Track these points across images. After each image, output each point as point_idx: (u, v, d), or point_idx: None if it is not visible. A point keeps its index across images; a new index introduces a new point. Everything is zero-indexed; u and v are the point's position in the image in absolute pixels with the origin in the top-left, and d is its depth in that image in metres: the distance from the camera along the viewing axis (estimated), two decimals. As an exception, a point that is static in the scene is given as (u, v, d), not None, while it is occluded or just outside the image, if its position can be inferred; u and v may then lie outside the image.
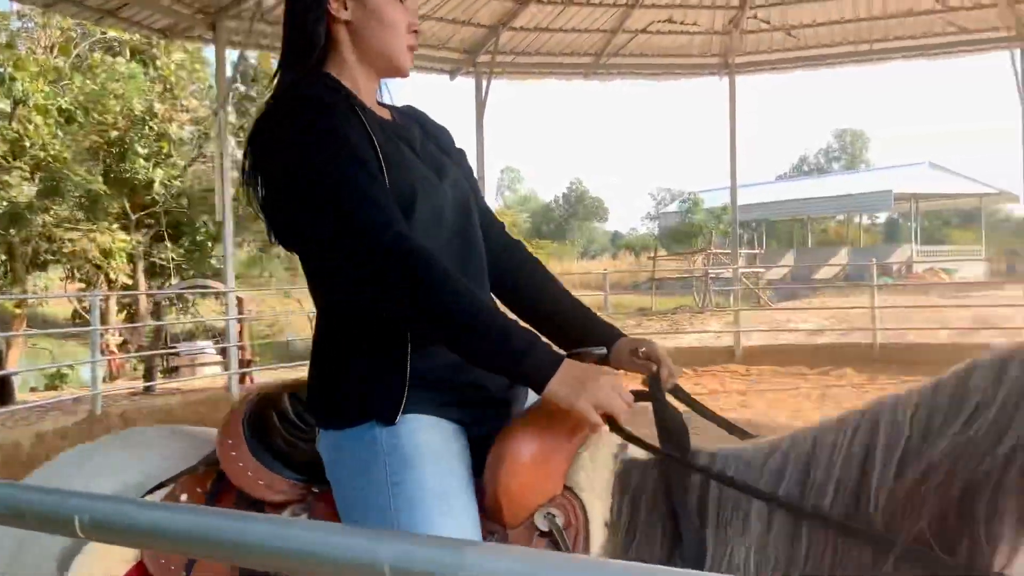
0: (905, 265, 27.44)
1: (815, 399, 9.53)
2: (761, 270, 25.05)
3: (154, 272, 19.38)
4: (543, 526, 1.46)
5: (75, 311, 18.89)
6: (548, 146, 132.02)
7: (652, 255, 29.92)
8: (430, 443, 1.46)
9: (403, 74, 1.65)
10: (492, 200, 59.66)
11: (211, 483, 1.65)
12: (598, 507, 1.48)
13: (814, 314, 15.89)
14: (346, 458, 1.49)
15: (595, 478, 1.51)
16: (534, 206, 65.44)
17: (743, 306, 15.06)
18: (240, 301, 12.43)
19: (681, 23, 11.13)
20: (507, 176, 71.42)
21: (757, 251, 31.48)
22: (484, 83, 11.84)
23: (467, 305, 1.40)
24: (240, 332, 11.57)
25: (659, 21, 11.06)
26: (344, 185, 1.42)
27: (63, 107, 16.76)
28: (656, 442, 1.49)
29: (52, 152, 16.26)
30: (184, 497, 1.63)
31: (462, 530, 1.38)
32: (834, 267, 29.23)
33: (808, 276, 28.31)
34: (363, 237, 1.40)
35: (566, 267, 35.12)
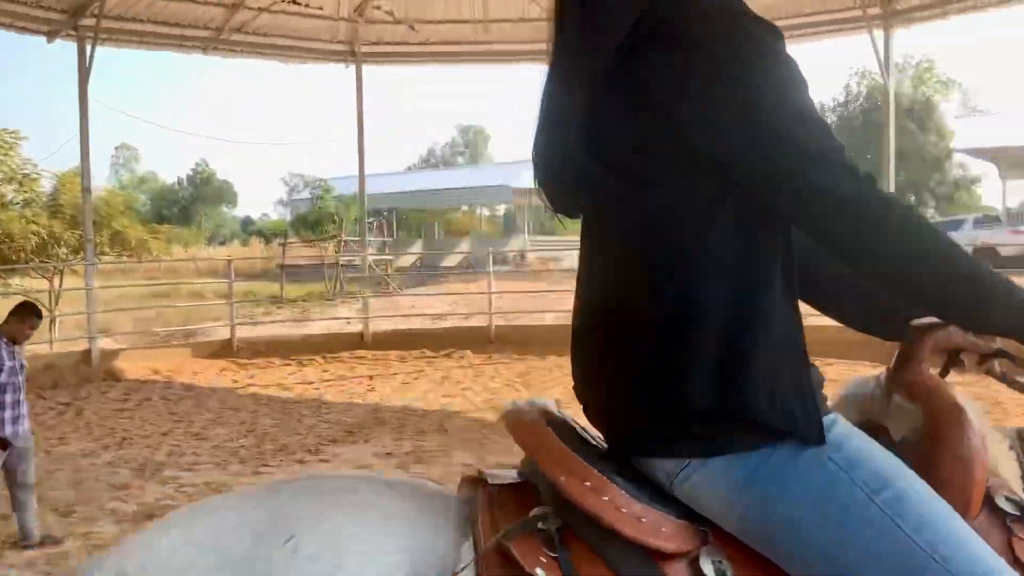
0: (520, 254, 29.74)
1: (438, 380, 9.95)
2: (391, 258, 25.62)
3: None
4: (1012, 509, 1.33)
5: None
6: (171, 124, 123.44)
7: (283, 242, 29.34)
8: (866, 440, 1.25)
9: None
10: (105, 180, 54.55)
11: (541, 544, 1.21)
12: (1016, 484, 1.38)
13: (439, 300, 16.62)
14: (790, 486, 1.19)
15: (1002, 454, 1.41)
16: (154, 188, 60.98)
17: (373, 293, 15.30)
18: None
19: (305, 5, 10.94)
20: (122, 154, 65.68)
21: (387, 239, 32.16)
22: (88, 49, 10.67)
23: (949, 246, 1.20)
24: None
25: (282, 1, 10.77)
26: (823, 130, 1.19)
27: None
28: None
29: None
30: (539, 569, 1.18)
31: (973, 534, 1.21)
32: (459, 255, 30.85)
33: (435, 264, 29.58)
34: (851, 177, 1.17)
35: (192, 253, 33.17)
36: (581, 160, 1.32)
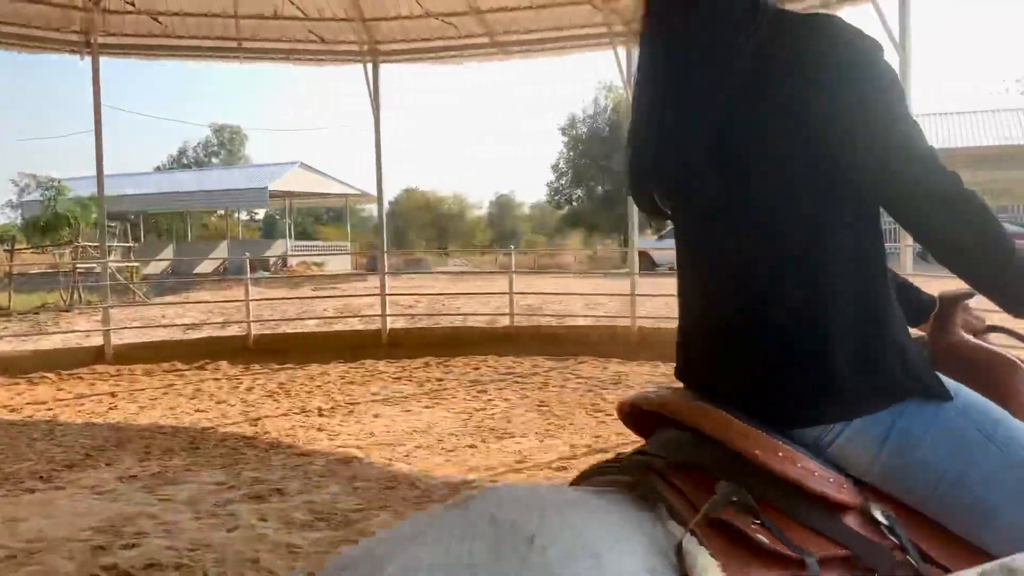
0: (281, 259, 28.86)
1: (190, 394, 9.42)
2: (137, 264, 23.96)
3: None
4: None
5: None
6: None
7: (10, 248, 26.59)
8: (970, 391, 1.44)
9: None
10: None
11: (744, 512, 1.28)
12: None
13: (192, 308, 15.75)
14: (922, 434, 1.37)
15: None
16: None
17: (115, 303, 14.21)
18: None
19: (32, -10, 9.97)
20: None
21: (132, 244, 30.00)
22: None
23: (1011, 239, 1.36)
24: None
25: (4, -17, 9.75)
26: (924, 136, 1.35)
27: None
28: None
29: None
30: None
31: None
32: (215, 261, 29.40)
33: (188, 270, 28.02)
34: (951, 179, 1.33)
35: None
36: (696, 155, 1.39)
